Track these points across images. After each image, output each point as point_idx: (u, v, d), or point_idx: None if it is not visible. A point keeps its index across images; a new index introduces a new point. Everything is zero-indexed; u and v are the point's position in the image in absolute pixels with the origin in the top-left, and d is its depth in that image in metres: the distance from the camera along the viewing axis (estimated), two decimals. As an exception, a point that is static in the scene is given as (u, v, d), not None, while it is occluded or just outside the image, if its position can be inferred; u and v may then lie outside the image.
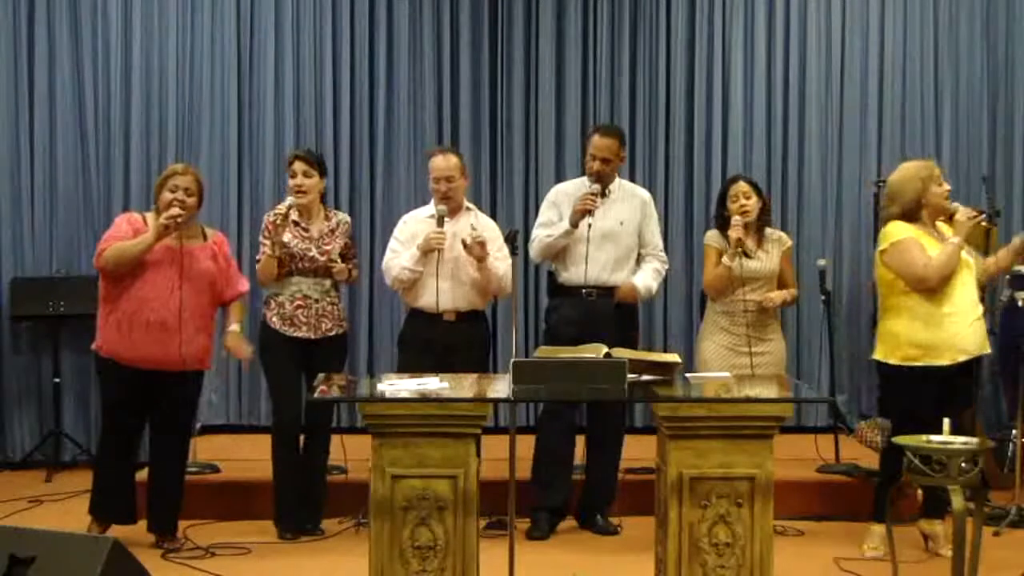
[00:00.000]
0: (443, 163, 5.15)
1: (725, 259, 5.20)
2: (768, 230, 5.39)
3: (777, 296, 5.28)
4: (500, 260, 5.14)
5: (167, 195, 4.81)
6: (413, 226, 5.20)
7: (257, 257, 5.19)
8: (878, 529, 4.81)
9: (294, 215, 5.13)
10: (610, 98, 6.89)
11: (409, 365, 4.95)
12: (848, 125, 6.91)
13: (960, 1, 6.91)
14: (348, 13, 6.79)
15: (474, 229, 5.14)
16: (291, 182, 5.18)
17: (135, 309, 4.76)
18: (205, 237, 4.98)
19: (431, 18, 6.83)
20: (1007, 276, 5.94)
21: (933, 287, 4.67)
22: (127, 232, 4.80)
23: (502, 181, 6.89)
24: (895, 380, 4.84)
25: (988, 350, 4.84)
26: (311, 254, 5.14)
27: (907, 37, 6.92)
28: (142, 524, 5.00)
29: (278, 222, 5.04)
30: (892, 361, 4.78)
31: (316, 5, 6.77)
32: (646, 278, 5.30)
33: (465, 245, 5.02)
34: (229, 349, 5.06)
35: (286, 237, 5.08)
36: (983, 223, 4.85)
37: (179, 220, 4.73)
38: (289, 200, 5.12)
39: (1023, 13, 6.91)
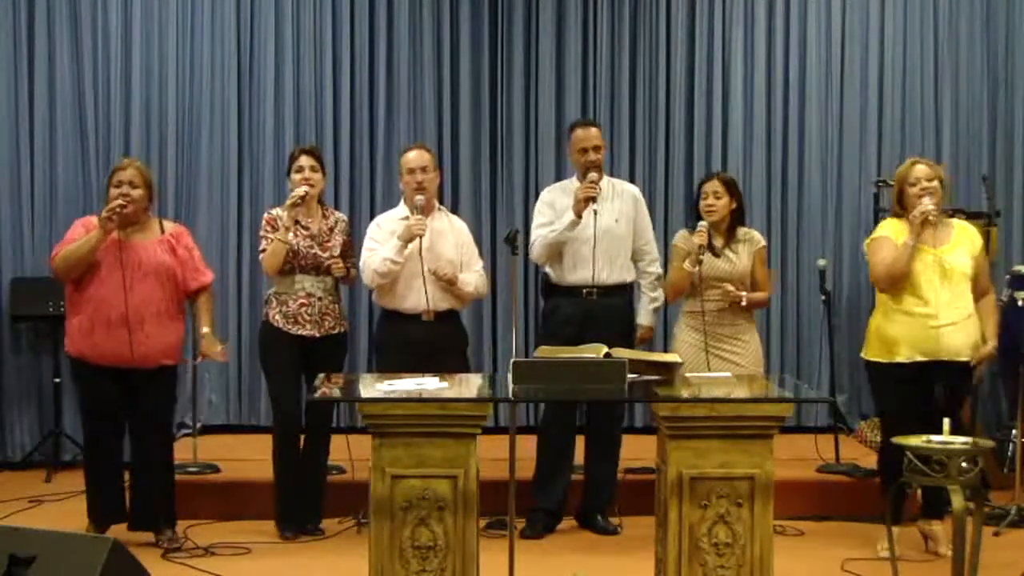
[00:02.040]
0: (417, 155, 5.18)
1: (686, 264, 5.12)
2: (741, 230, 5.28)
3: (732, 292, 5.12)
4: (472, 268, 5.23)
5: (113, 191, 4.82)
6: (388, 226, 5.18)
7: (261, 248, 5.18)
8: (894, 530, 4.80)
9: (287, 220, 5.12)
10: (610, 98, 6.89)
11: (390, 368, 4.89)
12: (848, 125, 6.91)
13: (960, 1, 6.91)
14: (348, 13, 6.79)
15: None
16: (297, 176, 5.17)
17: (94, 310, 4.77)
18: (163, 231, 4.97)
19: (431, 18, 6.83)
20: (1007, 276, 5.95)
21: (883, 287, 4.82)
22: (80, 235, 4.81)
23: (502, 181, 6.89)
24: (870, 376, 5.04)
25: (963, 357, 4.77)
26: (313, 251, 5.15)
27: (907, 37, 6.92)
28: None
29: (296, 203, 5.06)
30: (866, 356, 4.96)
31: (316, 5, 6.77)
32: (651, 315, 5.40)
33: (435, 274, 5.06)
34: (204, 355, 5.05)
35: (288, 236, 5.09)
36: (931, 219, 4.72)
37: (122, 211, 4.73)
38: (303, 188, 5.12)
39: (1023, 13, 6.92)
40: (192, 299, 5.03)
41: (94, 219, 4.91)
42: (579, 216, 5.12)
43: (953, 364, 4.76)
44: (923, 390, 4.77)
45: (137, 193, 4.83)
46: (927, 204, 4.70)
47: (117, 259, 4.77)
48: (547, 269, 5.38)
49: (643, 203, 5.46)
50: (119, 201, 4.74)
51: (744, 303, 5.15)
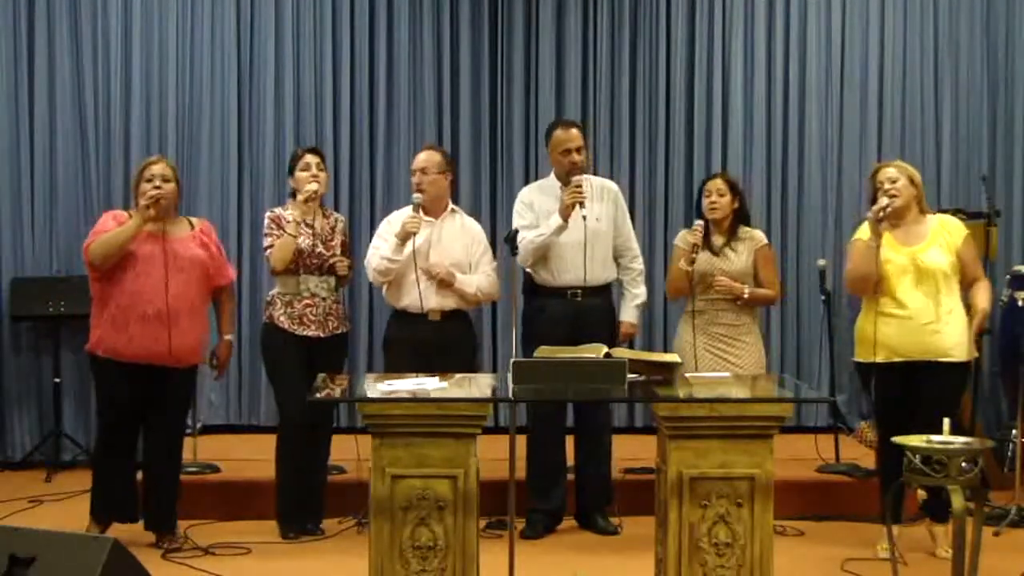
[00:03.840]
0: (422, 156, 5.23)
1: (682, 263, 5.16)
2: (743, 229, 5.31)
3: (726, 283, 5.14)
4: (481, 269, 5.22)
5: (145, 185, 4.83)
6: (397, 223, 5.19)
7: (267, 245, 5.16)
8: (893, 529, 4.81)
9: (298, 215, 5.13)
10: (610, 98, 6.89)
11: (396, 367, 4.93)
12: (848, 125, 6.91)
13: (960, 1, 6.91)
14: (348, 13, 6.79)
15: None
16: (305, 174, 5.16)
17: (128, 303, 4.76)
18: (192, 226, 4.99)
19: (431, 18, 6.83)
20: (1007, 276, 5.95)
21: (850, 290, 4.92)
22: (113, 226, 4.81)
23: (502, 181, 6.89)
24: (859, 376, 5.14)
25: (946, 357, 4.72)
26: (319, 250, 5.15)
27: (907, 37, 6.92)
28: (141, 523, 5.01)
29: (310, 197, 5.06)
30: (854, 357, 4.98)
31: (316, 5, 6.78)
32: (634, 312, 5.37)
33: (429, 275, 5.07)
34: (220, 356, 5.09)
35: (299, 232, 5.09)
36: (887, 212, 4.70)
37: (161, 201, 4.75)
38: (315, 184, 5.12)
39: (1023, 13, 6.92)
40: (214, 297, 5.05)
41: (123, 213, 4.93)
42: (566, 220, 5.11)
43: (937, 364, 4.73)
44: (909, 390, 4.75)
45: (170, 187, 4.84)
46: (882, 201, 4.72)
47: (157, 253, 4.77)
48: (529, 269, 5.36)
49: (623, 200, 5.45)
50: (156, 192, 4.76)
51: (746, 295, 5.18)
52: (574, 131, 5.29)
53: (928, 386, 4.72)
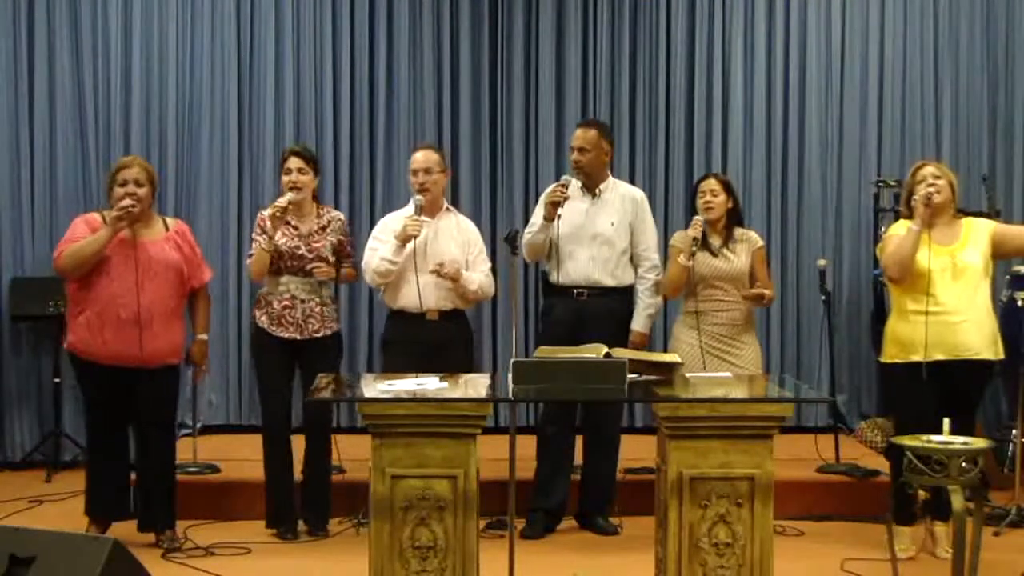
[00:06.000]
0: (422, 156, 5.21)
1: (681, 258, 5.15)
2: (739, 230, 5.31)
3: (753, 294, 5.19)
4: (478, 268, 5.21)
5: (118, 190, 4.80)
6: (394, 224, 5.18)
7: (249, 253, 5.19)
8: (907, 530, 4.81)
9: (270, 229, 5.10)
10: (610, 98, 6.89)
11: (394, 366, 4.93)
12: (848, 125, 6.91)
13: (960, 1, 6.91)
14: (348, 13, 6.79)
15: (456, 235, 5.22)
16: (285, 178, 5.15)
17: (103, 307, 4.75)
18: (167, 228, 4.96)
19: (431, 18, 6.84)
20: (1007, 276, 5.95)
21: (892, 277, 4.78)
22: (84, 233, 4.79)
23: (502, 181, 6.89)
24: (886, 378, 5.05)
25: (982, 355, 4.74)
26: (300, 252, 5.12)
27: (907, 37, 6.92)
28: (138, 524, 5.02)
29: (276, 215, 5.02)
30: (882, 359, 4.92)
31: (316, 5, 6.78)
32: (645, 321, 5.33)
33: (438, 272, 5.04)
34: (193, 357, 5.08)
35: (272, 246, 5.07)
36: (931, 199, 4.70)
37: (132, 210, 4.72)
38: (289, 195, 5.10)
39: (1023, 13, 6.92)
40: (193, 295, 5.03)
41: (96, 216, 4.90)
42: (548, 220, 5.13)
43: (972, 363, 4.72)
44: (941, 390, 4.71)
45: (143, 192, 4.81)
46: (929, 190, 4.69)
47: (129, 257, 4.75)
48: (546, 267, 5.38)
49: (646, 208, 5.41)
50: (128, 201, 4.73)
51: (767, 301, 5.26)
52: (591, 132, 5.31)
53: (959, 385, 4.72)
